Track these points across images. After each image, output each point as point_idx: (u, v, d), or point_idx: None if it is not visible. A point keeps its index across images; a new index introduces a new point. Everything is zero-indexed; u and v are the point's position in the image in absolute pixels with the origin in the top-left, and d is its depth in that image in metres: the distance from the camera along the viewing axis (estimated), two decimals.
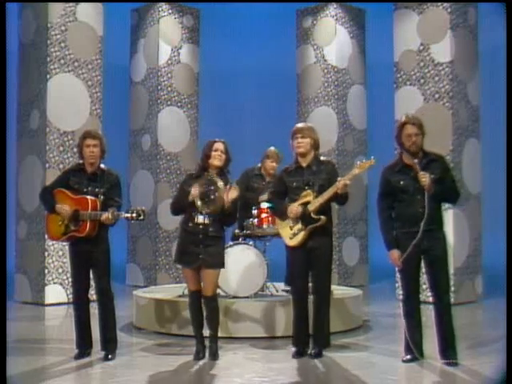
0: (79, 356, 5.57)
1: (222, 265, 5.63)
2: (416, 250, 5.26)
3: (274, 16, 13.39)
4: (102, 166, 5.69)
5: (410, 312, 5.38)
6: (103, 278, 5.57)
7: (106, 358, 5.52)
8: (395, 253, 5.33)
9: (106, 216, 5.33)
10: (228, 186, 5.48)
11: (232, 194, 5.44)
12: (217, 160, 5.56)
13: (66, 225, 5.50)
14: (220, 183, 5.48)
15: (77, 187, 5.57)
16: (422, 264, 5.39)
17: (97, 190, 5.55)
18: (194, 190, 5.46)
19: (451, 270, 8.28)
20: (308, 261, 5.59)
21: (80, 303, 5.66)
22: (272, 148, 7.32)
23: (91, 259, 5.53)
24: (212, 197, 5.46)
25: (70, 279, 8.80)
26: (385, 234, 5.45)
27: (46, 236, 5.89)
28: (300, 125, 5.84)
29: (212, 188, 5.48)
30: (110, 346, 5.60)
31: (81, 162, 5.73)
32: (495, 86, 10.26)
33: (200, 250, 5.50)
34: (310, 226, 5.52)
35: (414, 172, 5.27)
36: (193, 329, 5.73)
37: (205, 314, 5.64)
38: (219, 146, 5.59)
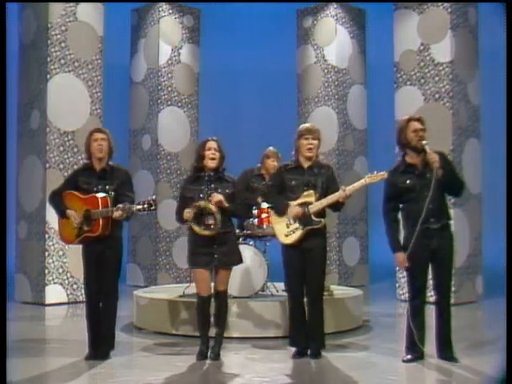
0: (90, 356, 5.54)
1: (239, 261, 5.68)
2: (426, 249, 5.25)
3: (274, 16, 13.38)
4: (111, 163, 5.65)
5: (415, 311, 5.35)
6: (111, 279, 5.55)
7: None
8: (401, 255, 5.32)
9: (117, 212, 5.27)
10: (212, 195, 5.47)
11: (215, 198, 5.43)
12: (211, 161, 5.56)
13: (80, 226, 5.45)
14: (212, 207, 5.44)
15: (86, 187, 5.53)
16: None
17: (107, 187, 5.51)
18: (188, 214, 5.44)
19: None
20: (303, 261, 5.58)
21: (92, 304, 5.62)
22: (271, 148, 7.35)
23: (103, 259, 5.49)
24: (206, 221, 5.45)
25: (70, 279, 8.88)
26: (390, 237, 5.42)
27: (60, 240, 5.85)
28: (310, 125, 5.80)
29: (205, 213, 5.45)
30: (106, 345, 5.58)
31: (88, 161, 5.69)
32: (495, 85, 10.25)
33: (214, 250, 5.50)
34: (309, 227, 5.51)
35: (418, 169, 5.30)
36: (198, 330, 5.72)
37: (214, 312, 5.64)
38: (212, 144, 5.60)
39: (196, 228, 5.46)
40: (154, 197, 5.34)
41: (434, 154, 5.23)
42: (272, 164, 7.27)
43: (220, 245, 5.51)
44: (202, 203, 5.45)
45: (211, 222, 5.44)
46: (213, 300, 5.65)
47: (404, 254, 5.30)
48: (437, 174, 5.21)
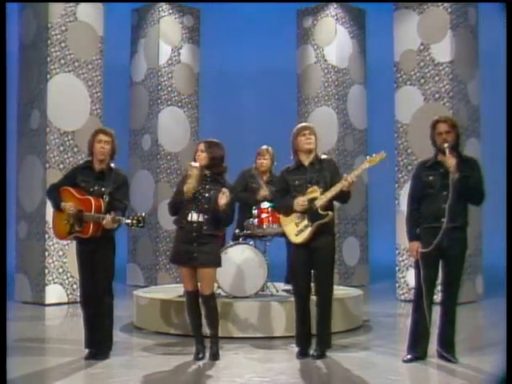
0: (89, 357, 5.53)
1: (217, 263, 5.62)
2: (436, 248, 5.26)
3: (274, 16, 13.39)
4: (112, 165, 5.65)
5: (421, 311, 5.34)
6: (104, 280, 5.54)
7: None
8: (415, 244, 5.38)
9: (107, 221, 5.29)
10: (220, 191, 5.46)
11: (222, 199, 5.41)
12: (198, 161, 5.60)
13: (71, 224, 5.47)
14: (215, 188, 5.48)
15: (84, 185, 5.54)
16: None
17: (103, 189, 5.50)
18: (189, 185, 5.47)
19: None
20: (311, 260, 5.58)
21: (86, 304, 5.61)
22: (263, 146, 7.35)
23: (95, 259, 5.50)
24: (206, 195, 5.49)
25: (70, 279, 8.89)
26: (408, 226, 5.49)
27: (53, 234, 5.88)
28: (305, 123, 5.96)
29: (207, 187, 5.49)
30: (102, 346, 5.56)
31: (89, 159, 5.70)
32: (495, 85, 10.26)
33: (194, 249, 5.48)
34: (318, 222, 5.50)
35: (444, 168, 5.33)
36: (191, 329, 5.74)
37: (203, 313, 5.64)
38: (199, 146, 5.67)
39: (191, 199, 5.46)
40: (143, 214, 5.36)
41: (451, 159, 5.26)
42: (259, 162, 7.28)
43: (201, 244, 5.49)
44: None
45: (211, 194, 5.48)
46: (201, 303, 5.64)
47: (418, 244, 5.34)
48: (452, 179, 5.25)
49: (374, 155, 5.50)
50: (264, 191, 7.07)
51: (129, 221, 5.26)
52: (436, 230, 5.27)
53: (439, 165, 5.38)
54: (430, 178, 5.39)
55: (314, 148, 5.68)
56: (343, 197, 5.61)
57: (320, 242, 5.54)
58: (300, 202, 5.52)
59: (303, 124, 5.90)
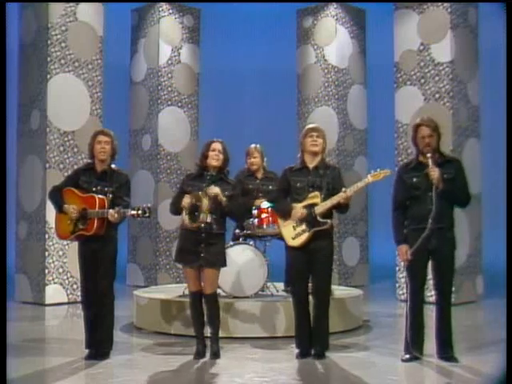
0: (89, 357, 5.53)
1: (223, 263, 5.66)
2: (424, 249, 5.28)
3: (274, 16, 13.39)
4: (113, 166, 5.68)
5: (413, 310, 5.38)
6: (105, 279, 5.54)
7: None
8: (404, 247, 5.37)
9: (111, 213, 5.30)
10: (209, 187, 5.49)
11: (211, 190, 5.45)
12: (214, 160, 5.61)
13: (75, 223, 5.48)
14: (205, 201, 5.45)
15: (86, 186, 5.56)
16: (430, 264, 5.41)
17: (106, 188, 5.53)
18: (186, 200, 5.46)
19: None
20: (309, 262, 5.57)
21: (87, 303, 5.62)
22: (251, 145, 7.31)
23: (97, 258, 5.51)
24: (196, 213, 5.45)
25: (70, 279, 8.89)
26: (395, 230, 5.48)
27: (54, 234, 5.88)
28: (315, 125, 5.86)
29: (198, 204, 5.45)
30: (102, 346, 5.56)
31: (90, 161, 5.72)
32: (495, 85, 10.26)
33: (201, 249, 5.52)
34: (315, 228, 5.50)
35: (427, 170, 5.31)
36: (194, 329, 5.74)
37: (205, 312, 5.66)
38: (216, 145, 5.64)
39: (186, 219, 5.45)
40: (149, 204, 5.36)
41: (434, 171, 5.25)
42: (249, 161, 7.24)
43: (208, 245, 5.52)
44: (200, 193, 5.46)
45: (201, 218, 5.45)
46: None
47: (407, 247, 5.34)
48: (437, 187, 5.25)
49: (378, 170, 5.47)
50: (259, 200, 7.01)
51: (134, 212, 5.27)
52: (423, 231, 5.27)
53: (422, 166, 5.37)
54: (414, 179, 5.38)
55: (320, 151, 5.65)
56: (341, 208, 5.60)
57: (318, 244, 5.53)
58: (298, 213, 5.51)
59: (312, 126, 5.82)
